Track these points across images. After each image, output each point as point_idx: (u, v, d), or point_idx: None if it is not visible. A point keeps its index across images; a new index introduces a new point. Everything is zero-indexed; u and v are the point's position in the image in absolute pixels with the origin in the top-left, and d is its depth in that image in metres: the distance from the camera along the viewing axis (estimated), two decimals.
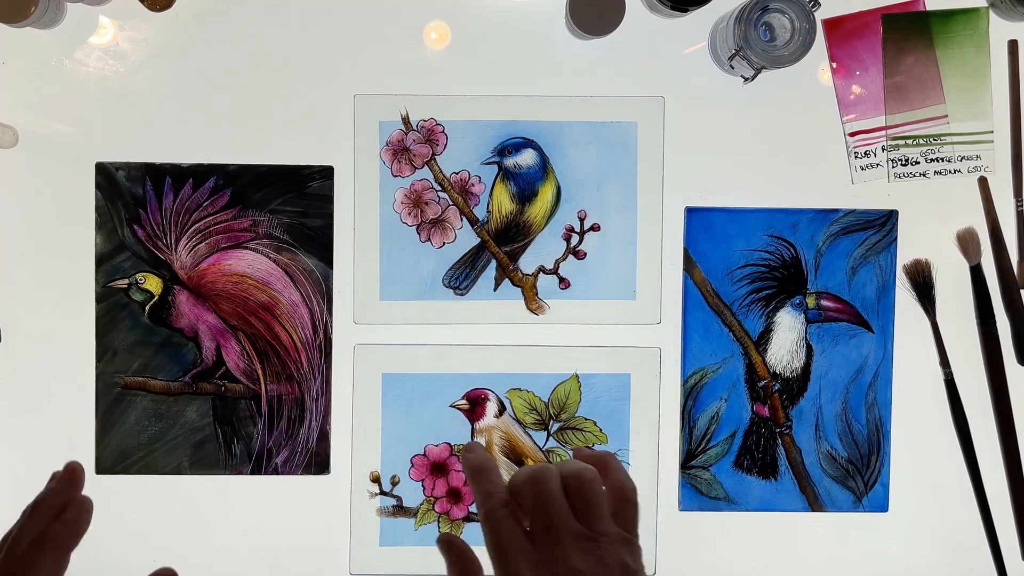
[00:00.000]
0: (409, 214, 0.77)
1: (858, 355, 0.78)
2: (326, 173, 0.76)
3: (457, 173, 0.77)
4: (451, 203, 0.77)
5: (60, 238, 0.76)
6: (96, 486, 0.71)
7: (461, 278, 0.77)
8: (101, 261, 0.75)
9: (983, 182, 0.78)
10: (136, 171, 0.75)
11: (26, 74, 0.75)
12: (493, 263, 0.77)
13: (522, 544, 0.52)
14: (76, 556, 0.62)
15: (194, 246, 0.75)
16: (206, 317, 0.76)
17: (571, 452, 0.62)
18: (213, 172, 0.75)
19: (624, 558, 0.52)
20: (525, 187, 0.77)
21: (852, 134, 0.78)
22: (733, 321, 0.78)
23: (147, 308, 0.75)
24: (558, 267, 0.77)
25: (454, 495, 0.77)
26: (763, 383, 0.78)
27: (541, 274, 0.77)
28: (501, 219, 0.77)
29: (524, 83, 0.77)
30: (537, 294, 0.77)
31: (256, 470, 0.76)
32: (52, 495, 0.64)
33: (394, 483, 0.77)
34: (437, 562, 0.78)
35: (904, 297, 0.78)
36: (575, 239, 0.77)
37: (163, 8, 0.75)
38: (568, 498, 0.54)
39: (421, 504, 0.77)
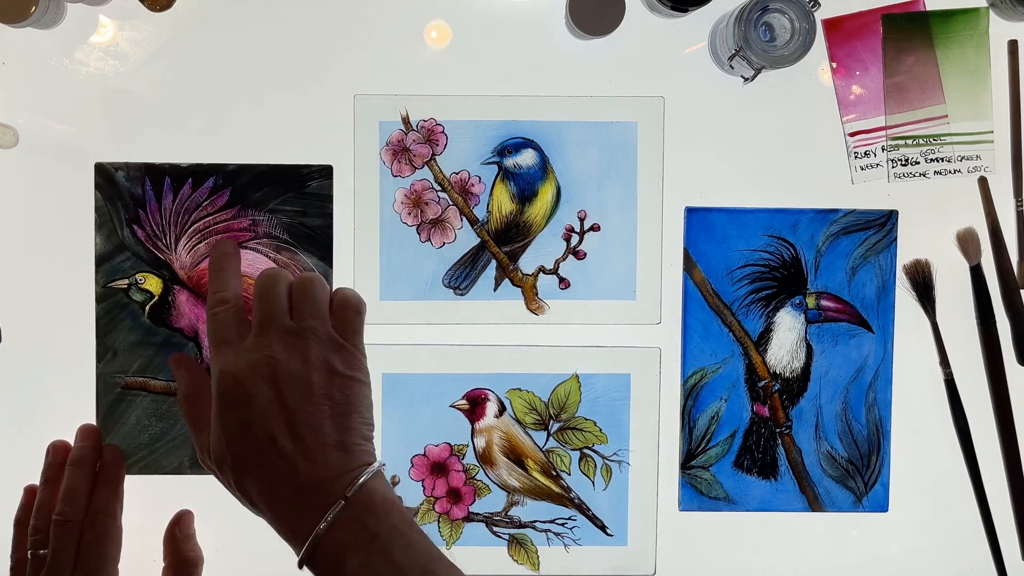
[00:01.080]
0: (409, 214, 0.77)
1: (858, 355, 0.78)
2: (325, 172, 0.76)
3: (457, 173, 0.77)
4: (451, 203, 0.77)
5: (60, 238, 0.76)
6: None
7: (461, 278, 0.77)
8: (101, 261, 0.75)
9: (983, 182, 0.78)
10: (135, 171, 0.75)
11: (26, 74, 0.75)
12: (493, 263, 0.77)
13: (231, 337, 0.54)
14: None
15: (194, 246, 0.75)
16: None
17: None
18: (212, 172, 0.75)
19: (330, 359, 0.54)
20: (525, 187, 0.77)
21: (852, 134, 0.78)
22: (733, 321, 0.78)
23: (147, 308, 0.75)
24: (558, 267, 0.77)
25: (454, 495, 0.77)
26: (763, 383, 0.78)
27: (541, 274, 0.77)
28: (501, 219, 0.77)
29: (524, 83, 0.77)
30: (537, 294, 0.77)
31: None
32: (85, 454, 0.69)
33: (394, 483, 0.77)
34: None
35: (904, 297, 0.78)
36: (575, 239, 0.77)
37: (163, 8, 0.75)
38: (290, 299, 0.56)
39: (421, 504, 0.77)
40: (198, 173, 0.75)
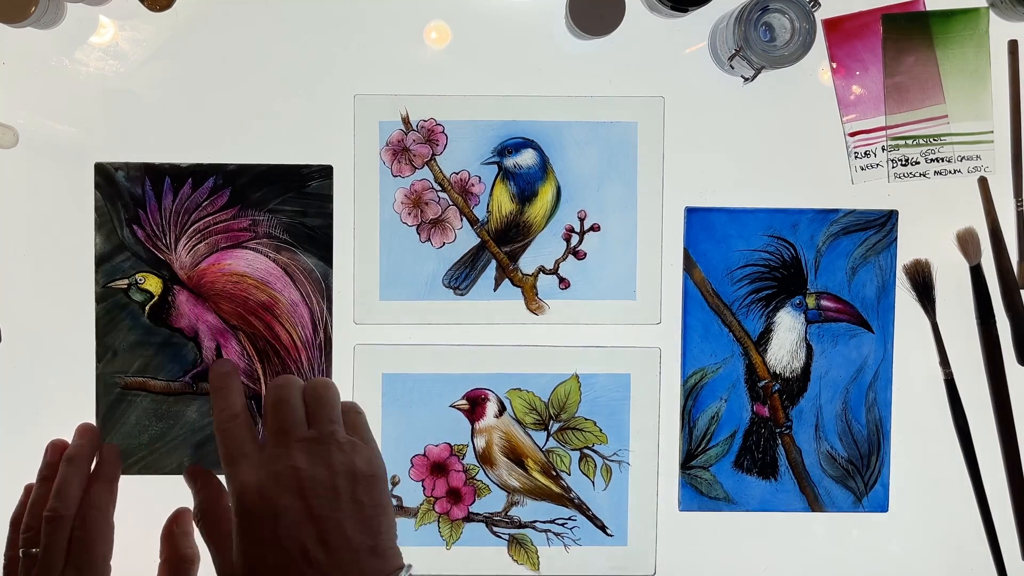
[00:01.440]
0: (409, 214, 0.77)
1: (858, 355, 0.78)
2: (325, 172, 0.76)
3: (457, 173, 0.77)
4: (451, 203, 0.77)
5: (60, 238, 0.76)
6: None
7: (461, 278, 0.77)
8: (101, 261, 0.75)
9: (983, 182, 0.78)
10: (135, 171, 0.75)
11: (26, 74, 0.75)
12: (493, 263, 0.77)
13: (248, 450, 0.52)
14: None
15: (193, 246, 0.75)
16: (206, 317, 0.75)
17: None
18: (212, 172, 0.75)
19: (353, 461, 0.52)
20: (525, 187, 0.77)
21: (852, 134, 0.78)
22: (733, 321, 0.78)
23: (147, 308, 0.75)
24: (558, 267, 0.77)
25: (454, 495, 0.77)
26: (763, 383, 0.78)
27: (541, 274, 0.77)
28: (501, 219, 0.77)
29: (524, 83, 0.77)
30: (537, 294, 0.77)
31: None
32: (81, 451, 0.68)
33: (394, 483, 0.77)
34: (438, 562, 0.78)
35: (904, 297, 0.78)
36: (575, 239, 0.77)
37: (163, 8, 0.75)
38: (306, 407, 0.55)
39: (421, 504, 0.77)
40: (198, 173, 0.75)
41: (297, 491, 0.50)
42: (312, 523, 0.49)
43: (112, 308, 0.75)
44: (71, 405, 0.75)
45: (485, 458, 0.77)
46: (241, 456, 0.51)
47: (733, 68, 0.76)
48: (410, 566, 0.50)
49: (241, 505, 0.50)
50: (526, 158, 0.77)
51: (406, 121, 0.76)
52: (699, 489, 0.78)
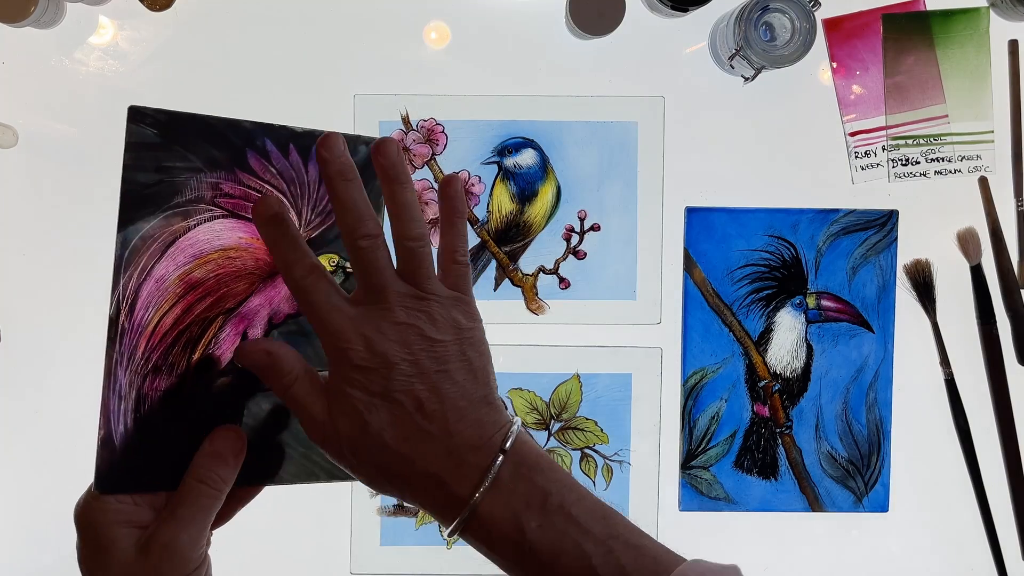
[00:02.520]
0: None
1: (858, 355, 0.78)
2: None
3: (457, 173, 0.77)
4: None
5: (60, 238, 0.75)
6: None
7: None
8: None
9: (983, 182, 0.78)
10: None
11: (26, 74, 0.75)
12: (493, 263, 0.77)
13: (339, 302, 0.48)
14: (74, 555, 0.61)
15: None
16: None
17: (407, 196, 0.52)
18: None
19: (456, 315, 0.51)
20: (525, 187, 0.77)
21: (852, 134, 0.78)
22: (733, 321, 0.78)
23: None
24: (558, 267, 0.77)
25: None
26: (763, 383, 0.78)
27: (541, 274, 0.77)
28: (501, 219, 0.77)
29: (524, 83, 0.77)
30: (537, 294, 0.77)
31: None
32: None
33: None
34: (438, 562, 0.78)
35: (904, 297, 0.78)
36: (575, 239, 0.77)
37: (163, 8, 0.75)
38: (399, 261, 0.52)
39: None
40: None
41: (404, 345, 0.48)
42: (423, 377, 0.48)
43: None
44: (71, 405, 0.75)
45: None
46: (334, 309, 0.48)
47: (733, 68, 0.75)
48: (518, 419, 0.49)
49: (346, 359, 0.47)
50: (526, 158, 0.77)
51: (406, 121, 0.76)
52: (699, 489, 0.78)
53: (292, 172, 0.53)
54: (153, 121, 0.50)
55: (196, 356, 0.51)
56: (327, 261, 0.55)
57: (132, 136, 0.50)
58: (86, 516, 0.49)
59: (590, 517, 0.47)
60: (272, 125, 0.52)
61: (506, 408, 0.52)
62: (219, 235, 0.51)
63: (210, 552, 0.73)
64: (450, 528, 0.47)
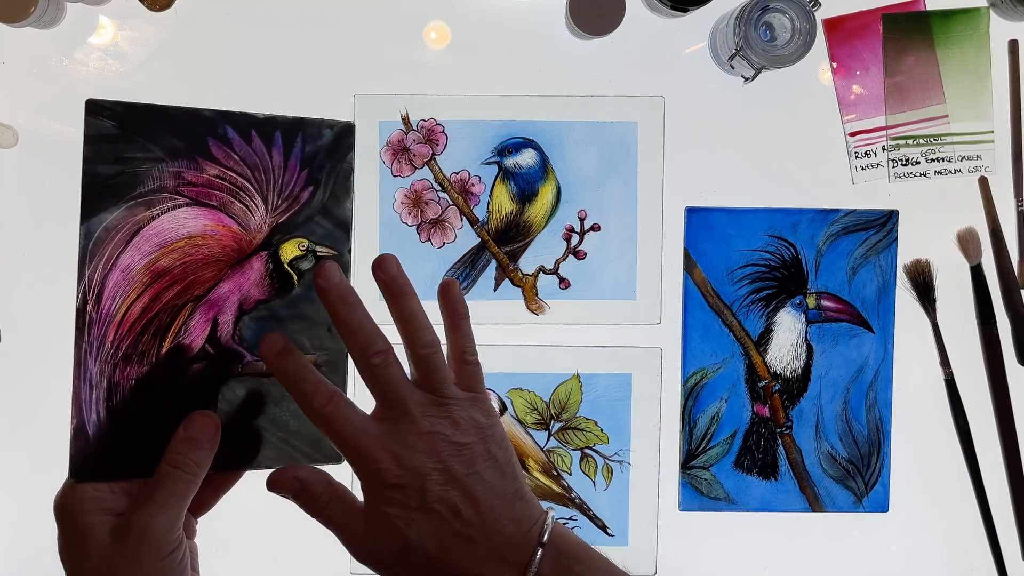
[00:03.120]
0: (409, 214, 0.77)
1: (858, 355, 0.78)
2: None
3: (457, 173, 0.77)
4: (451, 203, 0.77)
5: (60, 238, 0.75)
6: None
7: (461, 278, 0.77)
8: None
9: (983, 182, 0.78)
10: None
11: (26, 74, 0.75)
12: (493, 263, 0.77)
13: (363, 425, 0.49)
14: None
15: None
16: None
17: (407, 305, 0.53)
18: None
19: (476, 415, 0.51)
20: (525, 187, 0.77)
21: (852, 134, 0.78)
22: (733, 321, 0.78)
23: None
24: (558, 267, 0.77)
25: None
26: (763, 383, 0.78)
27: (541, 274, 0.77)
28: (501, 219, 0.77)
29: (524, 83, 0.77)
30: (537, 294, 0.77)
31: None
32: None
33: None
34: None
35: (904, 297, 0.78)
36: (575, 239, 0.77)
37: (163, 8, 0.75)
38: (411, 370, 0.51)
39: None
40: None
41: (432, 454, 0.48)
42: (455, 483, 0.48)
43: None
44: (71, 405, 0.75)
45: None
46: (359, 433, 0.48)
47: (733, 68, 0.75)
48: (552, 508, 0.50)
49: (379, 480, 0.48)
50: (526, 158, 0.77)
51: (406, 121, 0.76)
52: (699, 489, 0.78)
53: (255, 158, 0.53)
54: (111, 113, 0.50)
55: (166, 344, 0.52)
56: (296, 245, 0.55)
57: (90, 129, 0.50)
58: (63, 507, 0.50)
59: None
60: (233, 113, 0.52)
61: (537, 500, 0.52)
62: (184, 223, 0.52)
63: (211, 553, 0.73)
64: None
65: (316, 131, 0.53)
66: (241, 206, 0.53)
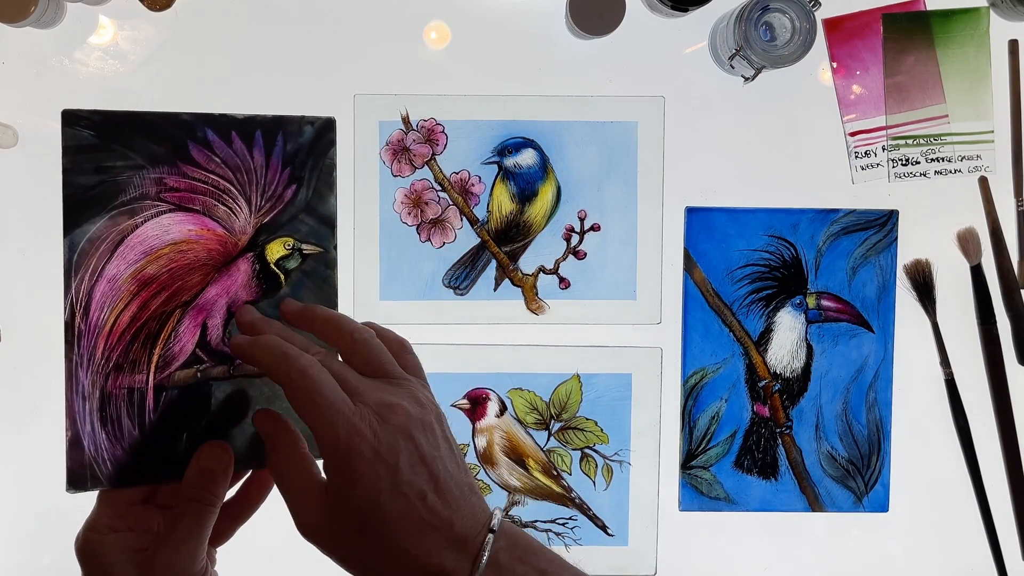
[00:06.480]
0: (409, 214, 0.77)
1: (858, 355, 0.78)
2: None
3: (457, 173, 0.77)
4: (451, 203, 0.77)
5: (60, 238, 0.75)
6: None
7: (461, 278, 0.77)
8: None
9: (983, 182, 0.78)
10: None
11: (26, 74, 0.75)
12: (493, 263, 0.77)
13: (337, 397, 0.47)
14: (73, 555, 0.61)
15: None
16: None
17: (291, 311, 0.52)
18: None
19: (430, 396, 0.50)
20: (525, 187, 0.77)
21: (852, 134, 0.78)
22: (733, 321, 0.78)
23: None
24: (558, 267, 0.77)
25: None
26: (763, 383, 0.78)
27: (541, 274, 0.77)
28: (501, 219, 0.77)
29: (524, 83, 0.77)
30: (537, 294, 0.77)
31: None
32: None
33: None
34: None
35: (904, 297, 0.78)
36: (575, 239, 0.77)
37: (163, 8, 0.75)
38: (356, 367, 0.49)
39: None
40: None
41: (405, 431, 0.46)
42: (424, 464, 0.46)
43: None
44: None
45: (486, 458, 0.77)
46: (337, 400, 0.45)
47: (733, 68, 0.75)
48: (497, 508, 0.49)
49: (350, 452, 0.45)
50: (526, 158, 0.77)
51: (406, 121, 0.76)
52: (699, 489, 0.78)
53: (237, 160, 0.53)
54: (88, 123, 0.50)
55: (157, 351, 0.52)
56: (282, 245, 0.55)
57: (68, 139, 0.50)
58: (85, 549, 0.49)
59: None
60: (212, 115, 0.51)
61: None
62: (168, 230, 0.52)
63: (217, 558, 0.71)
64: None
65: (297, 128, 0.53)
66: (225, 209, 0.52)
